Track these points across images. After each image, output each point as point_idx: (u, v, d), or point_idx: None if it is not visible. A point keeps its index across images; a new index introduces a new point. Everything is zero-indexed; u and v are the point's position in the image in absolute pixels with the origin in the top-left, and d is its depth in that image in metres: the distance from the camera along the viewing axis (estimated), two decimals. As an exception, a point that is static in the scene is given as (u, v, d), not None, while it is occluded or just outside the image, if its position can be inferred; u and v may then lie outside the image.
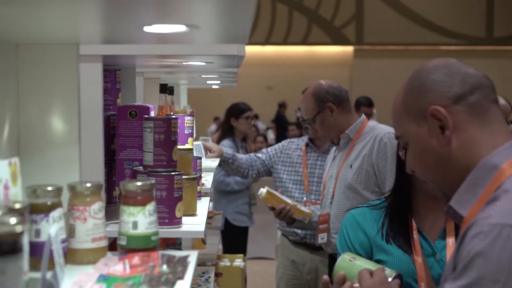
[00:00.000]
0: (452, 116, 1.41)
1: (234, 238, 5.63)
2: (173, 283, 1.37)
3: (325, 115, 3.40)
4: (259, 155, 4.23)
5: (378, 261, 2.03)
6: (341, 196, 3.31)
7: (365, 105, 7.18)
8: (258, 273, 6.79)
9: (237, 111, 5.62)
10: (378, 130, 3.32)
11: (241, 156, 4.22)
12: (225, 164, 4.10)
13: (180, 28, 1.42)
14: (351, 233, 2.12)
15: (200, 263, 3.48)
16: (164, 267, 1.44)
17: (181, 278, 1.41)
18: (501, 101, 3.68)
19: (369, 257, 2.06)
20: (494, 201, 1.32)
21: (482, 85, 1.43)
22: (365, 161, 3.26)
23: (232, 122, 5.59)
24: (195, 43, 1.94)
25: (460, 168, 1.41)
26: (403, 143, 1.51)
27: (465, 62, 1.47)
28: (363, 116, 3.48)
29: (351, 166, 3.29)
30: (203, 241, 3.77)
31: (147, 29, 1.43)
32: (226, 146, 5.49)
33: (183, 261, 1.50)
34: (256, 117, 11.43)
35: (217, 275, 3.50)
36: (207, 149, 3.97)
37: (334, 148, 3.54)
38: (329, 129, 3.42)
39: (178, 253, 1.56)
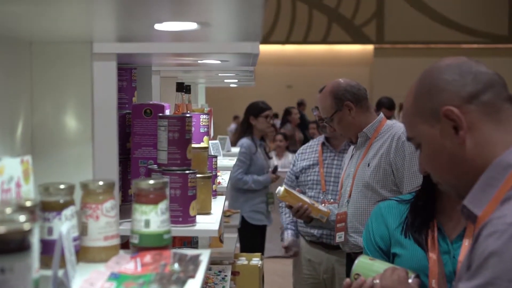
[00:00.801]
0: (465, 116, 1.39)
1: (251, 237, 5.63)
2: (184, 282, 1.36)
3: (343, 113, 3.38)
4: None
5: (393, 254, 2.03)
6: (358, 195, 3.30)
7: (386, 107, 7.15)
8: (276, 272, 6.78)
9: (256, 109, 5.64)
10: (396, 129, 3.30)
11: None
12: None
13: (192, 25, 1.41)
14: (375, 225, 2.14)
15: (217, 262, 3.47)
16: (176, 265, 1.44)
17: (193, 276, 1.41)
18: None
19: (389, 250, 2.06)
20: (509, 200, 1.30)
21: (494, 83, 1.41)
22: (382, 159, 3.24)
23: (251, 121, 5.61)
24: (209, 41, 1.94)
25: (474, 168, 1.39)
26: (415, 144, 1.50)
27: (476, 60, 1.45)
28: (381, 114, 3.45)
29: (368, 165, 3.27)
30: (220, 240, 3.76)
31: (158, 26, 1.43)
32: (245, 145, 5.50)
33: (195, 260, 1.50)
34: (275, 116, 11.42)
35: (234, 273, 3.49)
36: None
37: (352, 146, 3.52)
38: (347, 128, 3.40)
39: (190, 252, 1.56)
